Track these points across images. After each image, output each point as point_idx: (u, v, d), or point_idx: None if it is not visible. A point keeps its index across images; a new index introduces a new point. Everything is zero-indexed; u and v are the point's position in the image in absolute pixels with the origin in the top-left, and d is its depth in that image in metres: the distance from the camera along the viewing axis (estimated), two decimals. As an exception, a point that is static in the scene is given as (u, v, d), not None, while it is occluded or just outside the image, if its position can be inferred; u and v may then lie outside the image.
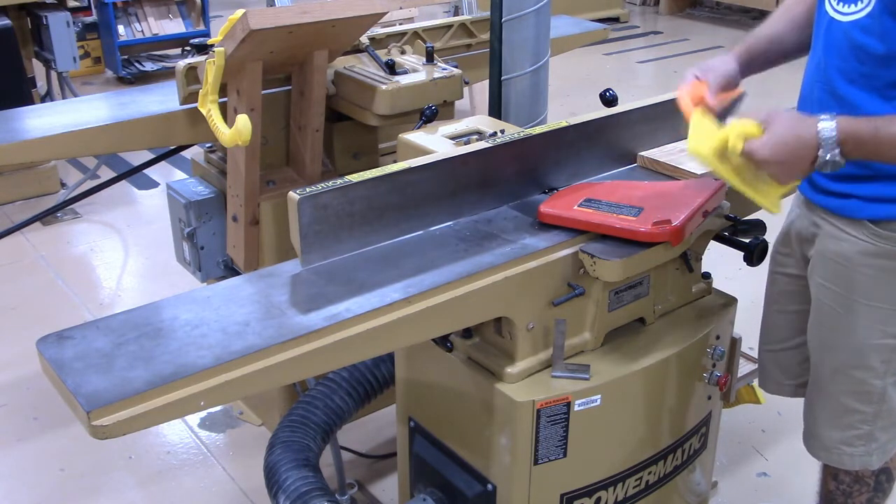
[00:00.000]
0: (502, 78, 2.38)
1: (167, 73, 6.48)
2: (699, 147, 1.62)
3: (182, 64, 2.34)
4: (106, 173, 4.77)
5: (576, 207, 1.74)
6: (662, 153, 2.06)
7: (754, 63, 1.87)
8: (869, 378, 1.81)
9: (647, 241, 1.66)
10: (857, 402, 1.84)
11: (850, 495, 2.03)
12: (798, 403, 3.10)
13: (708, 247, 1.99)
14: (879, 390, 1.82)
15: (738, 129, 1.56)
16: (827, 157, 1.51)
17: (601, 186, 1.86)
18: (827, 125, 1.51)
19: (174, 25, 6.82)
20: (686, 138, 1.69)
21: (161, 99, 2.50)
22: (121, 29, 6.59)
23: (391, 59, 2.50)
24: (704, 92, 1.73)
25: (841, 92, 1.65)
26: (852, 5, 1.60)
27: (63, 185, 4.82)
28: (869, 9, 1.56)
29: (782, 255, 1.99)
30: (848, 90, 1.64)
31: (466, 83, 2.60)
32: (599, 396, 1.73)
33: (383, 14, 2.28)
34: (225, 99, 2.29)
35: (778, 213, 1.64)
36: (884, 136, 1.50)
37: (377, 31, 2.75)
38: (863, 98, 1.61)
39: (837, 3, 1.64)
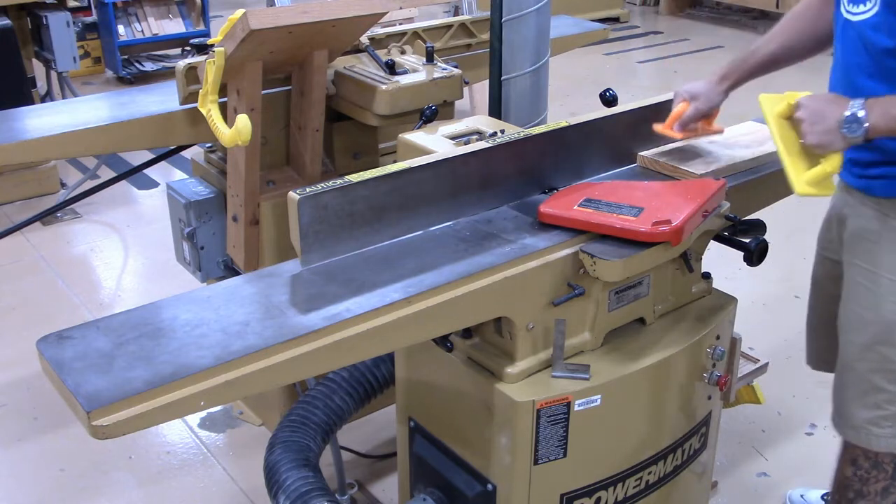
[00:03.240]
0: (502, 78, 2.38)
1: (167, 73, 6.48)
2: (765, 104, 1.78)
3: (182, 64, 2.34)
4: (106, 173, 4.77)
5: (576, 207, 1.74)
6: (662, 153, 2.06)
7: (742, 82, 2.06)
8: (895, 355, 1.85)
9: (647, 241, 1.66)
10: (885, 380, 1.89)
11: (867, 482, 2.05)
12: (798, 404, 3.11)
13: (708, 247, 1.99)
14: None
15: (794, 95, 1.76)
16: (853, 111, 1.63)
17: (601, 186, 1.86)
18: (857, 101, 1.66)
19: (174, 25, 6.82)
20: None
21: (161, 99, 2.50)
22: (121, 29, 6.59)
23: (391, 59, 2.50)
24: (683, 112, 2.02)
25: (860, 85, 1.76)
26: (861, 6, 1.73)
27: (63, 185, 4.82)
28: (876, 9, 1.70)
29: (826, 240, 2.08)
30: (867, 84, 1.75)
31: (466, 83, 2.60)
32: (599, 396, 1.73)
33: (383, 14, 2.28)
34: (225, 99, 2.29)
35: (800, 193, 1.73)
36: None
37: (377, 31, 2.75)
38: (882, 90, 1.71)
39: (849, 5, 1.77)
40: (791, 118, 1.73)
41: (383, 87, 2.35)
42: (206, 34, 6.49)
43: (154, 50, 7.07)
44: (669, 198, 1.77)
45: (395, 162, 1.77)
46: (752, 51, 2.05)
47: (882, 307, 1.84)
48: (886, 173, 1.80)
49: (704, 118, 2.08)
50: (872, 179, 1.83)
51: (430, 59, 2.52)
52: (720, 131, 2.15)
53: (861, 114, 1.63)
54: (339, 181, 1.63)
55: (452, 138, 2.02)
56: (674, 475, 1.98)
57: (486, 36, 2.76)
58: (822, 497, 2.55)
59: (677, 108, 2.03)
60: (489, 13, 2.39)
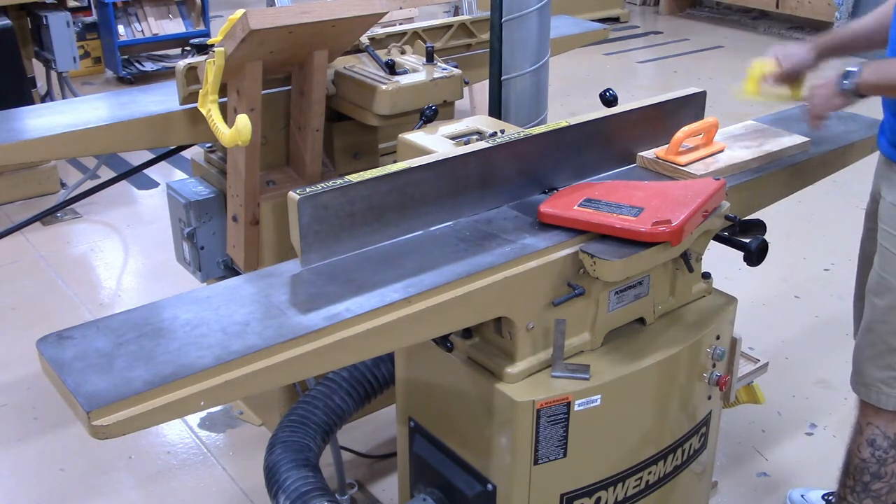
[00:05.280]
0: (502, 78, 2.38)
1: (167, 73, 6.49)
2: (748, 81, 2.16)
3: (182, 64, 2.34)
4: (106, 173, 4.78)
5: (576, 207, 1.74)
6: (662, 153, 2.06)
7: (835, 53, 2.18)
8: None
9: (647, 242, 1.66)
10: None
11: (885, 462, 2.09)
12: (798, 404, 3.11)
13: (708, 247, 1.99)
14: None
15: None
16: (851, 69, 1.90)
17: (601, 186, 1.86)
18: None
19: (174, 25, 6.82)
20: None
21: (161, 99, 2.50)
22: (121, 29, 6.60)
23: (391, 59, 2.50)
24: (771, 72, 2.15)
25: None
26: None
27: (63, 185, 4.82)
28: None
29: (871, 212, 2.15)
30: None
31: (466, 83, 2.60)
32: (599, 396, 1.73)
33: (383, 14, 2.28)
34: (225, 99, 2.29)
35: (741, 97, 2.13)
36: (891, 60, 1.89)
37: (377, 31, 2.75)
38: None
39: None
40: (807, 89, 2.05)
41: (383, 87, 2.35)
42: (206, 34, 6.49)
43: (154, 50, 7.07)
44: (669, 198, 1.77)
45: (395, 162, 1.77)
46: (847, 24, 2.14)
47: None
48: None
49: (789, 80, 2.13)
50: None
51: (430, 59, 2.52)
52: (721, 149, 2.13)
53: (855, 69, 1.88)
54: (339, 181, 1.63)
55: (452, 138, 2.02)
56: (674, 475, 1.98)
57: (486, 36, 2.76)
58: (823, 497, 2.55)
59: (766, 67, 2.07)
60: (489, 13, 2.39)
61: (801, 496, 2.59)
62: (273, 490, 1.99)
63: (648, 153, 2.07)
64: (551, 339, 1.73)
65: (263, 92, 2.30)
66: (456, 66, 2.51)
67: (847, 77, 1.91)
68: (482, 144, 1.82)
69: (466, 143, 1.94)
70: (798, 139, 2.23)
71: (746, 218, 1.97)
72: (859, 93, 1.92)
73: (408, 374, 1.99)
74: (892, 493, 2.12)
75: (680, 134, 2.02)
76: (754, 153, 2.13)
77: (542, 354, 1.76)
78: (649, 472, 1.91)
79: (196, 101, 2.26)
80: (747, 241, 1.86)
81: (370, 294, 1.51)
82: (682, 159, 2.02)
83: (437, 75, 2.43)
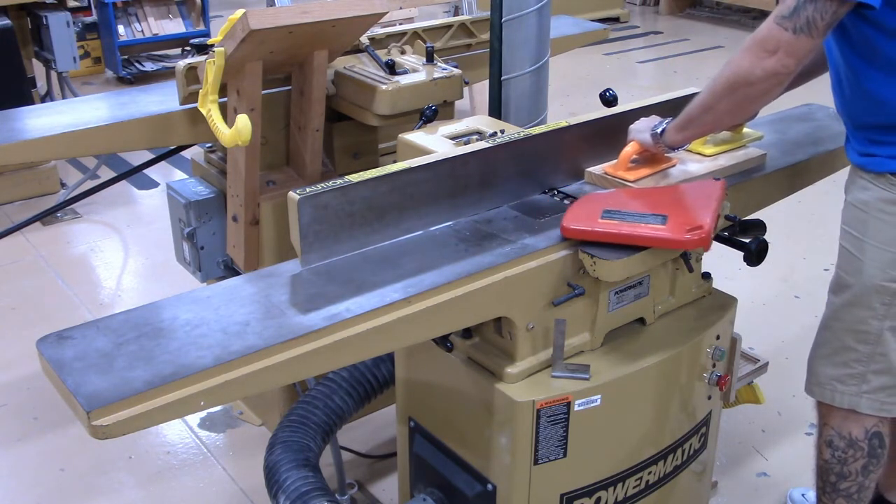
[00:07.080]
0: (502, 78, 2.38)
1: (167, 73, 6.49)
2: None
3: (182, 64, 2.34)
4: (106, 173, 4.78)
5: (600, 220, 1.69)
6: (611, 168, 1.97)
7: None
8: (868, 318, 1.95)
9: (683, 248, 1.65)
10: (855, 340, 1.99)
11: (846, 462, 2.09)
12: (798, 404, 3.11)
13: (708, 247, 1.99)
14: (876, 332, 1.95)
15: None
16: (656, 126, 1.92)
17: (609, 196, 1.82)
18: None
19: (174, 25, 6.82)
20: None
21: (161, 99, 2.50)
22: (121, 29, 6.60)
23: (391, 59, 2.50)
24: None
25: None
26: None
27: (63, 185, 4.82)
28: None
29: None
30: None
31: (466, 83, 2.60)
32: (599, 396, 1.73)
33: (383, 14, 2.28)
34: (225, 99, 2.29)
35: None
36: (686, 110, 1.88)
37: (377, 31, 2.75)
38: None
39: None
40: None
41: (383, 87, 2.35)
42: (206, 34, 6.49)
43: (154, 50, 7.07)
44: (685, 202, 1.76)
45: (395, 162, 1.77)
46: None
47: (863, 272, 1.93)
48: (882, 152, 1.91)
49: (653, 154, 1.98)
50: (871, 157, 1.93)
51: (430, 59, 2.52)
52: (673, 164, 2.01)
53: (663, 125, 1.91)
54: (339, 181, 1.63)
55: (452, 138, 2.02)
56: (674, 475, 1.98)
57: (486, 36, 2.76)
58: None
59: (626, 149, 1.94)
60: (489, 13, 2.39)
61: (802, 495, 2.59)
62: (273, 490, 1.99)
63: (597, 168, 1.98)
64: (551, 339, 1.73)
65: (263, 92, 2.30)
66: (456, 66, 2.51)
67: (657, 131, 1.91)
68: (482, 144, 1.82)
69: (466, 143, 1.94)
70: (754, 153, 2.13)
71: (746, 218, 1.97)
72: (668, 140, 1.90)
73: (408, 374, 1.99)
74: (863, 490, 2.12)
75: (628, 148, 1.93)
76: (707, 168, 2.03)
77: (542, 354, 1.76)
78: (649, 472, 1.91)
79: (196, 101, 2.26)
80: (747, 241, 1.86)
81: (370, 294, 1.51)
82: (631, 175, 1.92)
83: (437, 75, 2.43)
